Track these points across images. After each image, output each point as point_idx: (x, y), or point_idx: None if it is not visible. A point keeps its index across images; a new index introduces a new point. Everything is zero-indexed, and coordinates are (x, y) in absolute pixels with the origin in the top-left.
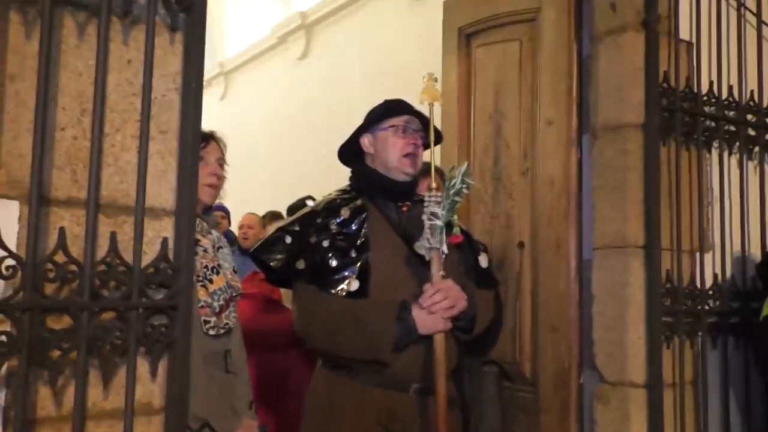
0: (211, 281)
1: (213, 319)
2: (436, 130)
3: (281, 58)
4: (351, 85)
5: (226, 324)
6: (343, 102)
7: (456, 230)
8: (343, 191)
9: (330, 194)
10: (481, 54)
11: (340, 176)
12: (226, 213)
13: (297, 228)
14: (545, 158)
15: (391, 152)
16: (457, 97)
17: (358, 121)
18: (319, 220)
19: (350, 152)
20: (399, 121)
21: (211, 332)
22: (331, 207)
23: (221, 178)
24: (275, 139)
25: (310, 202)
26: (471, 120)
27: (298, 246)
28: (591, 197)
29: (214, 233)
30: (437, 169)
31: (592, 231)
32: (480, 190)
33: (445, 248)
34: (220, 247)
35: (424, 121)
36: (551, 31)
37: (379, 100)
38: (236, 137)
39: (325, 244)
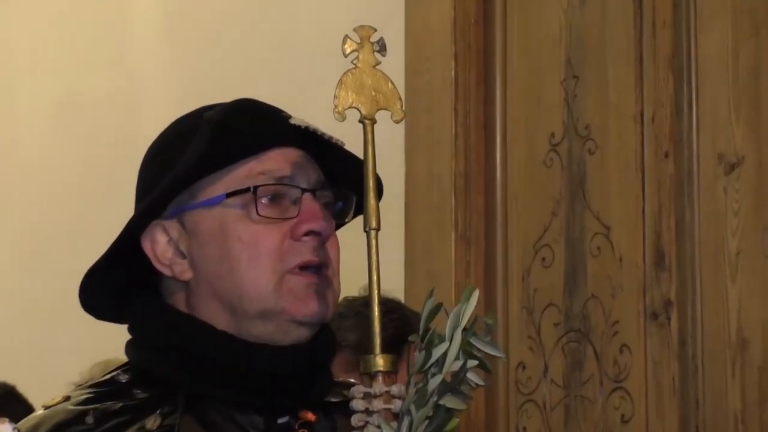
0: None
1: None
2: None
3: None
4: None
5: None
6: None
7: None
8: (111, 384)
9: (72, 396)
10: None
11: None
12: None
13: None
14: (717, 273)
15: (245, 267)
16: (451, 86)
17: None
18: None
19: (119, 279)
20: (262, 167)
21: None
22: None
23: None
24: None
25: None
26: (497, 151)
27: None
28: None
29: None
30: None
31: None
32: (525, 364)
33: None
34: None
35: (342, 157)
36: None
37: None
38: None
39: None
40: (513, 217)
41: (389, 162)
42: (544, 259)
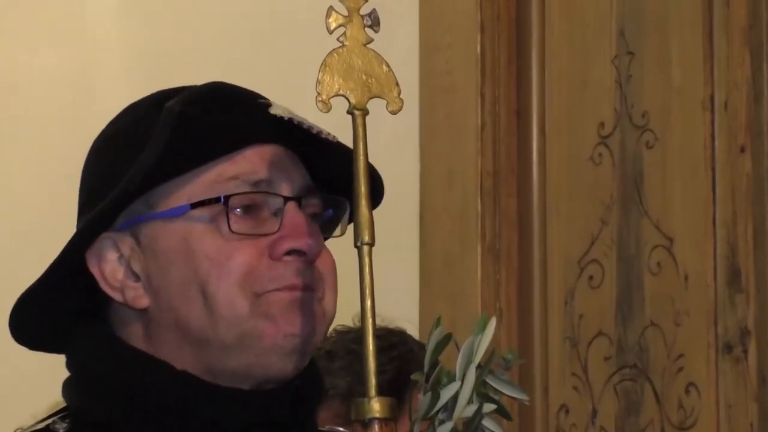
0: None
1: None
2: (373, 179)
3: None
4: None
5: None
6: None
7: None
8: None
9: None
10: None
11: None
12: None
13: None
14: None
15: (214, 288)
16: (477, 64)
17: None
18: None
19: (61, 304)
20: (235, 169)
21: None
22: None
23: None
24: None
25: None
26: (533, 145)
27: None
28: None
29: None
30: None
31: None
32: (569, 407)
33: None
34: None
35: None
36: None
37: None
38: None
39: None
40: (553, 225)
41: (400, 158)
42: (591, 278)
